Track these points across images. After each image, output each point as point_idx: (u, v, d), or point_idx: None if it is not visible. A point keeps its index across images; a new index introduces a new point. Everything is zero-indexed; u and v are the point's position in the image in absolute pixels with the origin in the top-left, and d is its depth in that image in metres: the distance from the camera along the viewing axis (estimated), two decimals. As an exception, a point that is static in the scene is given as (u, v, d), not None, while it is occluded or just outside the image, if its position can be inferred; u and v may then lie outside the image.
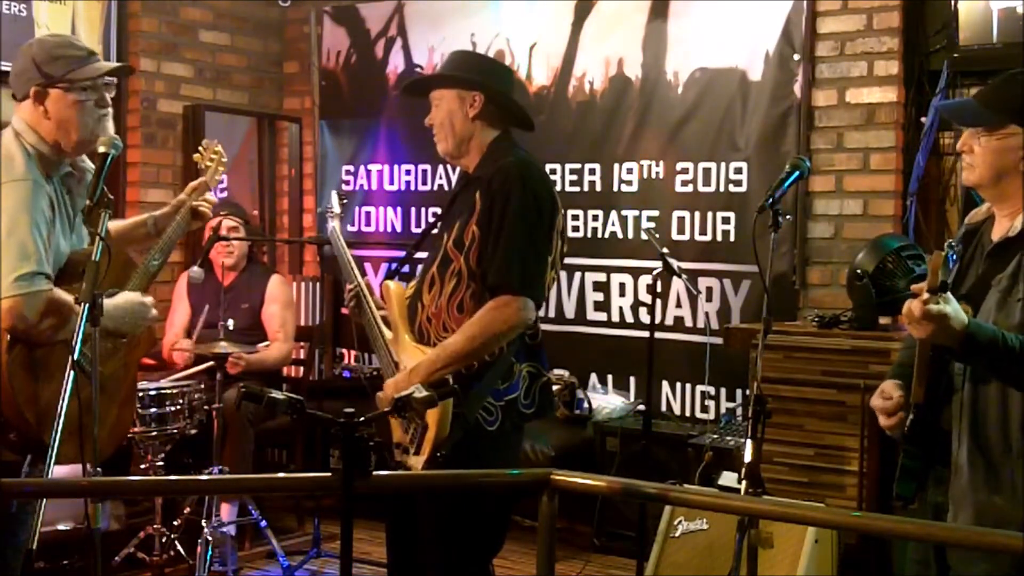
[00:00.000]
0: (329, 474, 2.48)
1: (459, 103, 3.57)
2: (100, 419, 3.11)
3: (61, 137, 3.39)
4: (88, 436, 3.03)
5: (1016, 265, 2.87)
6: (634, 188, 6.11)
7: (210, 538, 5.08)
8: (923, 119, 5.36)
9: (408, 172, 6.93)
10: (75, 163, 3.48)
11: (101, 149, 3.27)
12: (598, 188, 6.22)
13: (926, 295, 2.72)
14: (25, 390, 3.26)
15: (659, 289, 5.19)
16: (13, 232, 3.19)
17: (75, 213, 3.45)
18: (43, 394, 3.27)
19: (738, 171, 5.77)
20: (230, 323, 5.60)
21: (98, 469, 3.18)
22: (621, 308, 6.16)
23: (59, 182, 3.40)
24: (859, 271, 4.84)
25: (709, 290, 5.85)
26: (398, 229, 6.96)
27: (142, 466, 5.24)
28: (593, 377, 6.23)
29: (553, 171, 6.24)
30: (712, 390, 5.82)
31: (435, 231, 3.74)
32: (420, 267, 3.71)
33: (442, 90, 3.61)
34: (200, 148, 4.00)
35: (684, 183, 5.94)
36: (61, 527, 4.88)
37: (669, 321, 5.94)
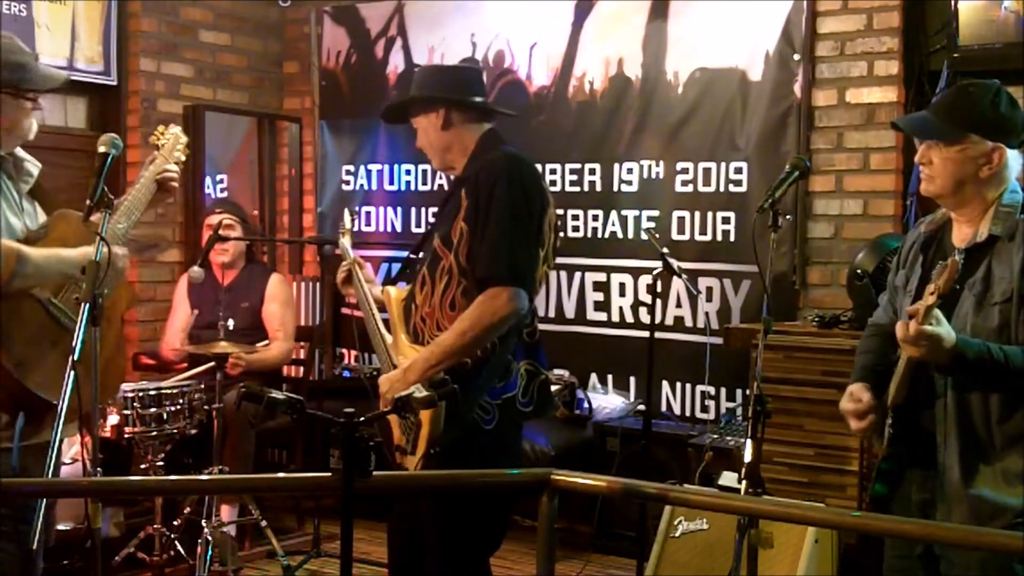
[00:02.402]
0: (329, 474, 2.48)
1: (428, 122, 3.64)
2: (84, 376, 3.10)
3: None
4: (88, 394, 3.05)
5: (986, 268, 2.97)
6: (634, 188, 6.11)
7: (210, 538, 5.08)
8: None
9: (408, 172, 6.93)
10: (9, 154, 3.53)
11: (102, 149, 3.33)
12: (598, 188, 6.22)
13: (922, 314, 2.78)
14: None
15: (659, 289, 5.19)
16: None
17: (20, 197, 3.51)
18: (17, 342, 3.32)
19: (738, 171, 5.77)
20: (230, 323, 5.60)
21: (98, 469, 3.19)
22: (621, 308, 6.16)
23: None
24: (859, 271, 4.84)
25: (709, 290, 5.84)
26: (398, 229, 6.96)
27: (142, 466, 5.24)
28: (593, 377, 6.23)
29: (553, 171, 6.25)
30: (712, 390, 5.81)
31: (428, 233, 3.76)
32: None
33: (413, 116, 3.69)
34: (156, 131, 4.00)
35: (684, 183, 5.94)
36: (61, 527, 4.88)
37: (669, 321, 5.94)
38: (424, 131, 3.66)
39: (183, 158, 3.96)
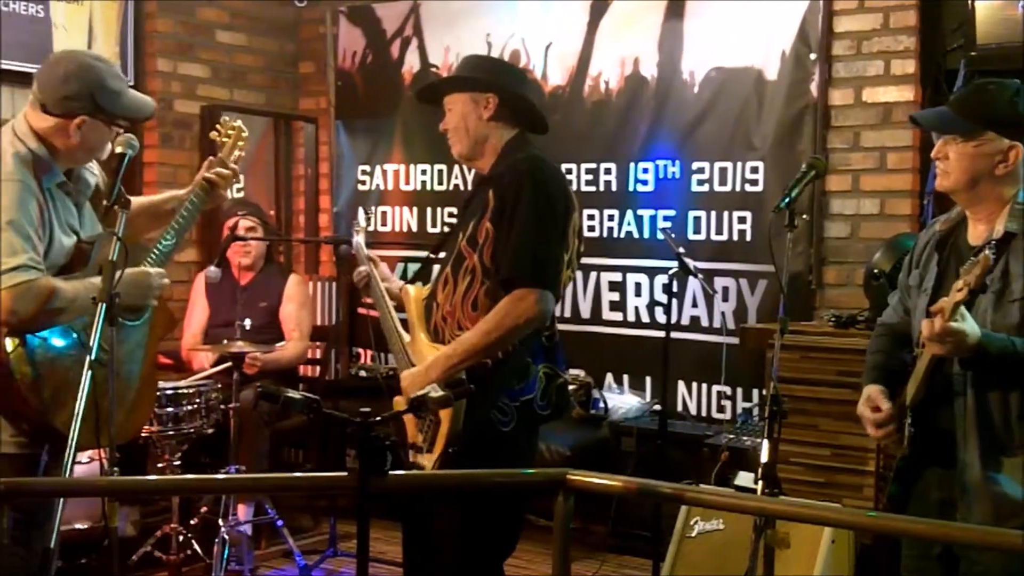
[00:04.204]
0: (345, 474, 2.48)
1: (473, 105, 3.57)
2: (116, 401, 3.13)
3: (78, 156, 3.46)
4: (104, 423, 3.05)
5: (1004, 266, 2.97)
6: (650, 188, 6.10)
7: (227, 537, 5.10)
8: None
9: (424, 172, 6.93)
10: (71, 168, 3.52)
11: (119, 149, 3.33)
12: (614, 188, 6.22)
13: (949, 311, 2.77)
14: (28, 378, 3.28)
15: (675, 289, 5.18)
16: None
17: (77, 211, 3.50)
18: (48, 380, 3.31)
19: (754, 170, 5.76)
20: (247, 322, 5.61)
21: (115, 469, 3.20)
22: (637, 308, 6.15)
23: (56, 187, 3.42)
24: (876, 271, 4.83)
25: (725, 290, 5.84)
26: (414, 229, 6.96)
27: (159, 465, 5.26)
28: (609, 377, 6.23)
29: (569, 171, 6.24)
30: (728, 390, 5.80)
31: (451, 232, 3.74)
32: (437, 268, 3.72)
33: (455, 94, 3.62)
34: (217, 125, 3.95)
35: (700, 182, 5.93)
36: (78, 526, 4.91)
37: (685, 321, 5.93)
38: (462, 115, 3.58)
39: (243, 154, 3.91)
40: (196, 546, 5.23)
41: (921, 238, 3.29)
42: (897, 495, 3.08)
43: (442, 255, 3.70)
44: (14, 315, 3.21)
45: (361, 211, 4.22)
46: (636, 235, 6.14)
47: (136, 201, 3.64)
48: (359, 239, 4.02)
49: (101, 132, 3.45)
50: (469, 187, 6.54)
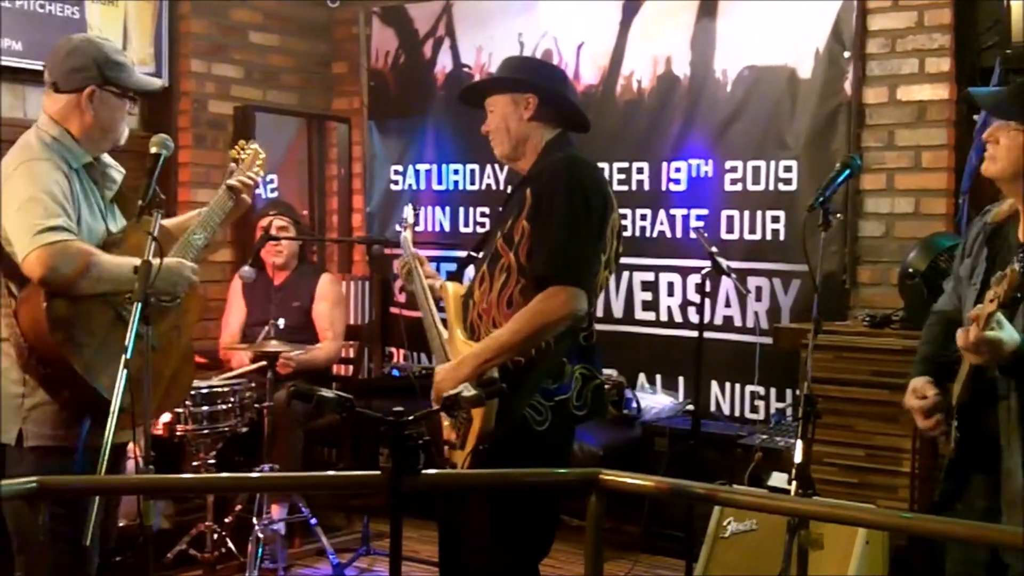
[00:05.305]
0: (378, 472, 2.49)
1: (513, 106, 3.58)
2: (152, 381, 3.20)
3: (95, 134, 3.55)
4: (140, 406, 3.10)
5: None
6: (683, 187, 6.09)
7: (261, 535, 5.12)
8: (975, 116, 5.29)
9: (456, 172, 6.94)
10: (97, 156, 3.60)
11: (153, 150, 3.38)
12: (646, 187, 6.20)
13: (983, 320, 2.72)
14: (69, 342, 3.34)
15: (708, 288, 5.16)
16: (32, 198, 3.33)
17: (104, 202, 3.59)
18: (88, 346, 3.37)
19: (788, 169, 5.73)
20: (281, 322, 5.63)
21: (150, 467, 3.22)
22: (670, 307, 6.14)
23: (82, 171, 3.52)
24: (911, 270, 4.81)
25: (758, 289, 5.81)
26: (446, 228, 6.97)
27: (193, 463, 5.29)
28: (642, 377, 6.22)
29: (601, 170, 6.20)
30: (762, 390, 5.78)
31: (490, 231, 3.75)
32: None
33: (496, 95, 3.63)
34: (236, 147, 4.05)
35: (733, 182, 5.91)
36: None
37: (718, 321, 5.91)
38: (503, 116, 3.60)
39: (262, 173, 4.01)
40: (230, 544, 5.27)
41: (974, 226, 3.21)
42: (945, 494, 3.04)
43: (482, 254, 3.70)
44: (55, 272, 3.29)
45: (409, 207, 4.23)
46: (669, 234, 6.13)
47: (170, 221, 3.74)
48: (406, 235, 4.04)
49: (113, 106, 3.55)
50: (501, 187, 6.55)
